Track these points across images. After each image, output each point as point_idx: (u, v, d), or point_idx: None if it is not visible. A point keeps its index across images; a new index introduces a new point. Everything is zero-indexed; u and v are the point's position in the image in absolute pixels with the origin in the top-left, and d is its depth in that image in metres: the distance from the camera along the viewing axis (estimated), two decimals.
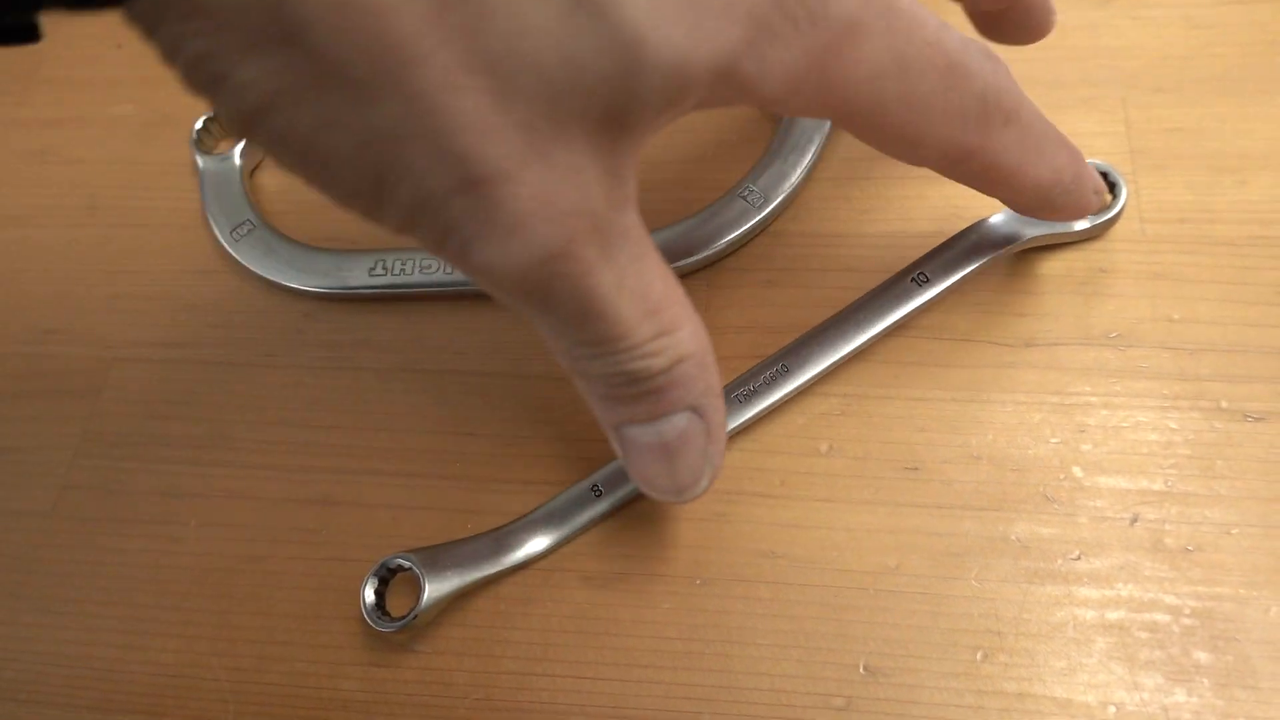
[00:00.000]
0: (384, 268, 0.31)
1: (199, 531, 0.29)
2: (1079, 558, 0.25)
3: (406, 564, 0.26)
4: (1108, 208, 0.29)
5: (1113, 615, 0.25)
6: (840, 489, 0.27)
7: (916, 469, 0.27)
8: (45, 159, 0.37)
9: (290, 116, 0.17)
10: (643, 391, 0.22)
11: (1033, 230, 0.28)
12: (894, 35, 0.20)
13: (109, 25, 0.21)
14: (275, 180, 0.35)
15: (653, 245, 0.21)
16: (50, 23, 0.18)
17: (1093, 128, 0.31)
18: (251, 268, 0.32)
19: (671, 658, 0.26)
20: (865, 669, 0.25)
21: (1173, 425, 0.27)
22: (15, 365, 0.33)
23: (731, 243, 0.30)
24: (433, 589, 0.25)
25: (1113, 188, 0.29)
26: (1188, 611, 0.24)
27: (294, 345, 0.31)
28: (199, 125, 0.35)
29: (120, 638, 0.28)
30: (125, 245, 0.34)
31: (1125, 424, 0.27)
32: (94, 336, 0.33)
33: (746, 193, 0.31)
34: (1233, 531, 0.25)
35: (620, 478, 0.27)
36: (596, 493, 0.27)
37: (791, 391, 0.27)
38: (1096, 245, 0.29)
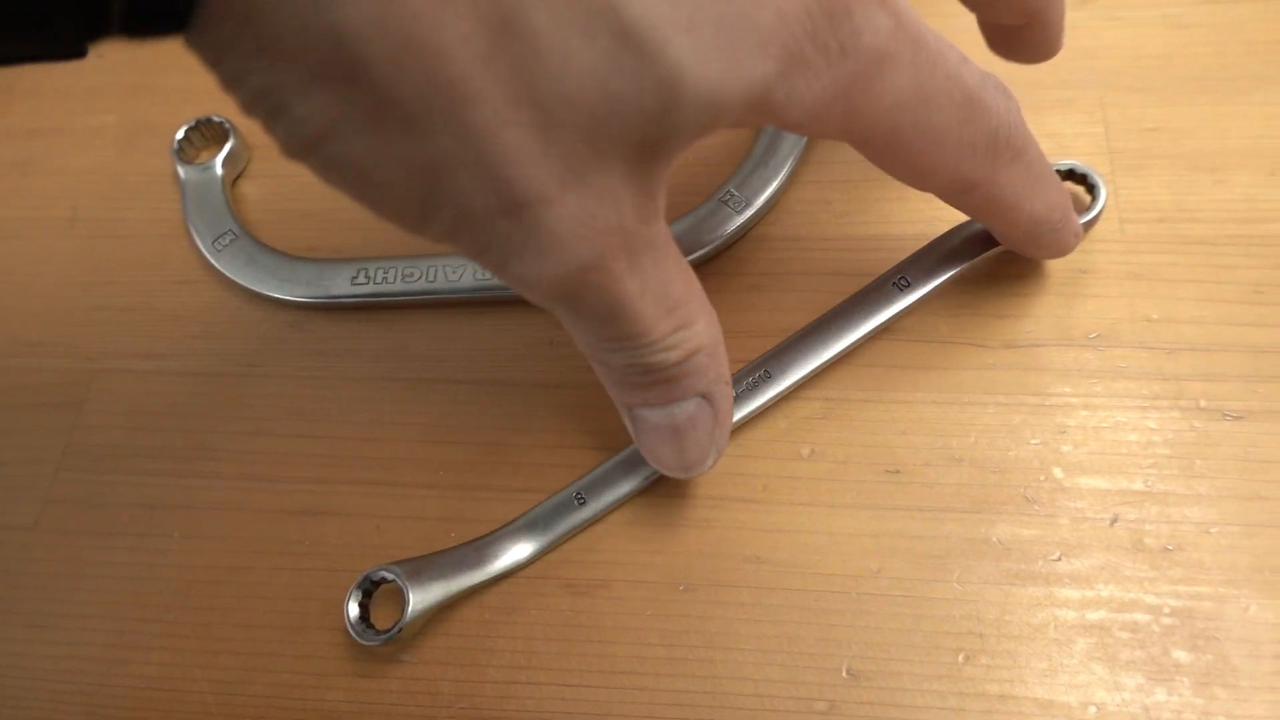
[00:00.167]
0: (366, 276, 0.31)
1: (182, 544, 0.29)
2: (1060, 559, 0.25)
3: (390, 576, 0.26)
4: (1087, 209, 0.29)
5: (1093, 616, 0.25)
6: (822, 493, 0.27)
7: (898, 472, 0.27)
8: (26, 170, 0.37)
9: (345, 146, 0.17)
10: (657, 380, 0.23)
11: None
12: (918, 68, 0.20)
13: None
14: (257, 190, 0.35)
15: (674, 246, 0.22)
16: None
17: (1071, 128, 0.31)
18: (234, 278, 0.32)
19: (655, 664, 0.26)
20: (848, 672, 0.25)
21: (1152, 425, 0.27)
22: None
23: (713, 247, 0.30)
24: (417, 601, 0.25)
25: (1091, 189, 0.29)
26: (1168, 611, 0.25)
27: (276, 355, 0.31)
28: (180, 135, 0.35)
29: (104, 651, 0.28)
30: (107, 256, 0.34)
31: (1105, 424, 0.27)
32: (76, 349, 0.33)
33: (728, 197, 0.31)
34: (1212, 530, 0.25)
35: (602, 485, 0.27)
36: (579, 500, 0.27)
37: (774, 397, 0.27)
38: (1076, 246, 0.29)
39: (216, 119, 0.35)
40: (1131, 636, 0.24)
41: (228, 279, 0.32)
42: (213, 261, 0.33)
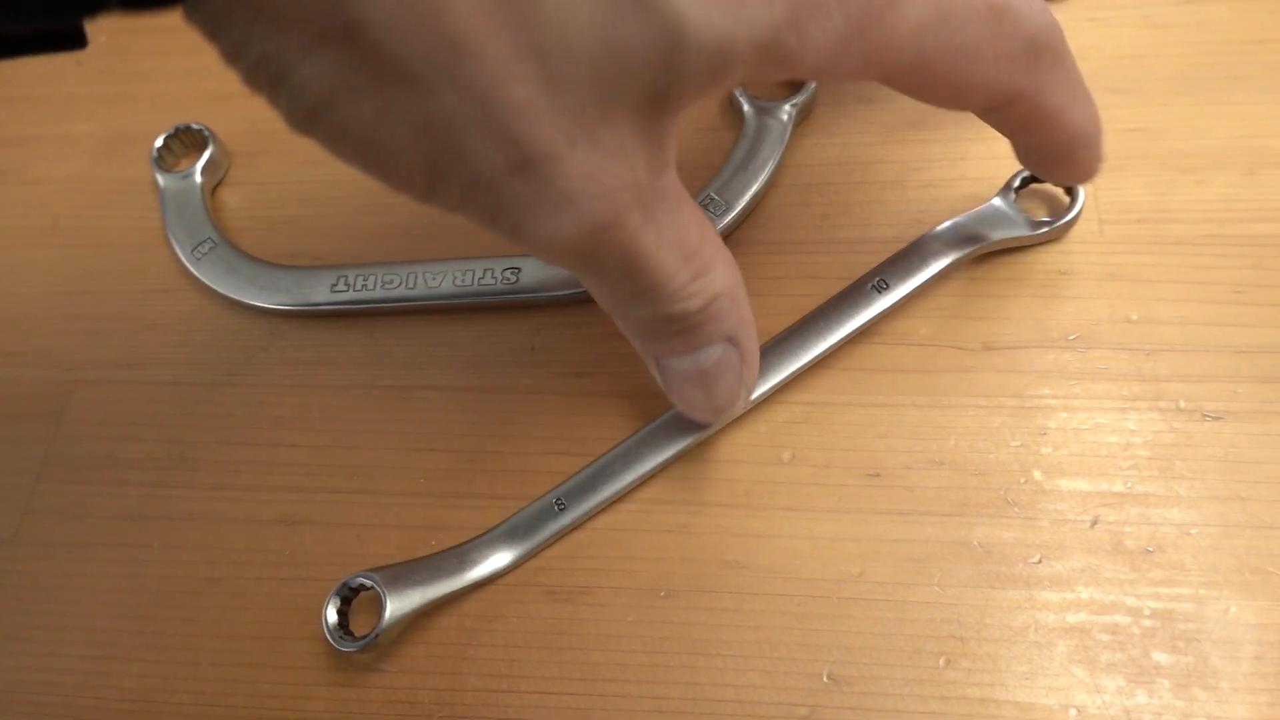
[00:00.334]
0: (346, 284, 0.31)
1: (162, 554, 0.29)
2: (1040, 561, 0.25)
3: (368, 583, 0.26)
4: (1066, 210, 0.29)
5: (1073, 618, 0.25)
6: (803, 497, 0.27)
7: (878, 475, 0.27)
8: (4, 179, 0.36)
9: (349, 111, 0.17)
10: (682, 328, 0.23)
11: (993, 233, 0.28)
12: None
13: None
14: (236, 197, 0.35)
15: (686, 194, 0.22)
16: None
17: None
18: (213, 286, 0.32)
19: (636, 671, 0.26)
20: (829, 677, 0.25)
21: (1132, 426, 0.27)
22: None
23: None
24: (394, 607, 0.25)
25: (1070, 190, 0.29)
26: (1148, 613, 0.25)
27: (256, 364, 0.31)
28: (159, 143, 0.35)
29: (84, 663, 0.28)
30: (86, 265, 0.34)
31: (1085, 426, 0.27)
32: (55, 359, 0.32)
33: (708, 201, 0.31)
34: (1192, 531, 0.25)
35: (582, 491, 0.27)
36: (560, 507, 0.27)
37: (754, 401, 0.27)
38: (1055, 247, 0.29)
39: (195, 126, 0.35)
40: (1112, 639, 0.24)
41: (207, 287, 0.32)
42: (192, 270, 0.32)
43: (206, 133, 0.35)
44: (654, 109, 0.18)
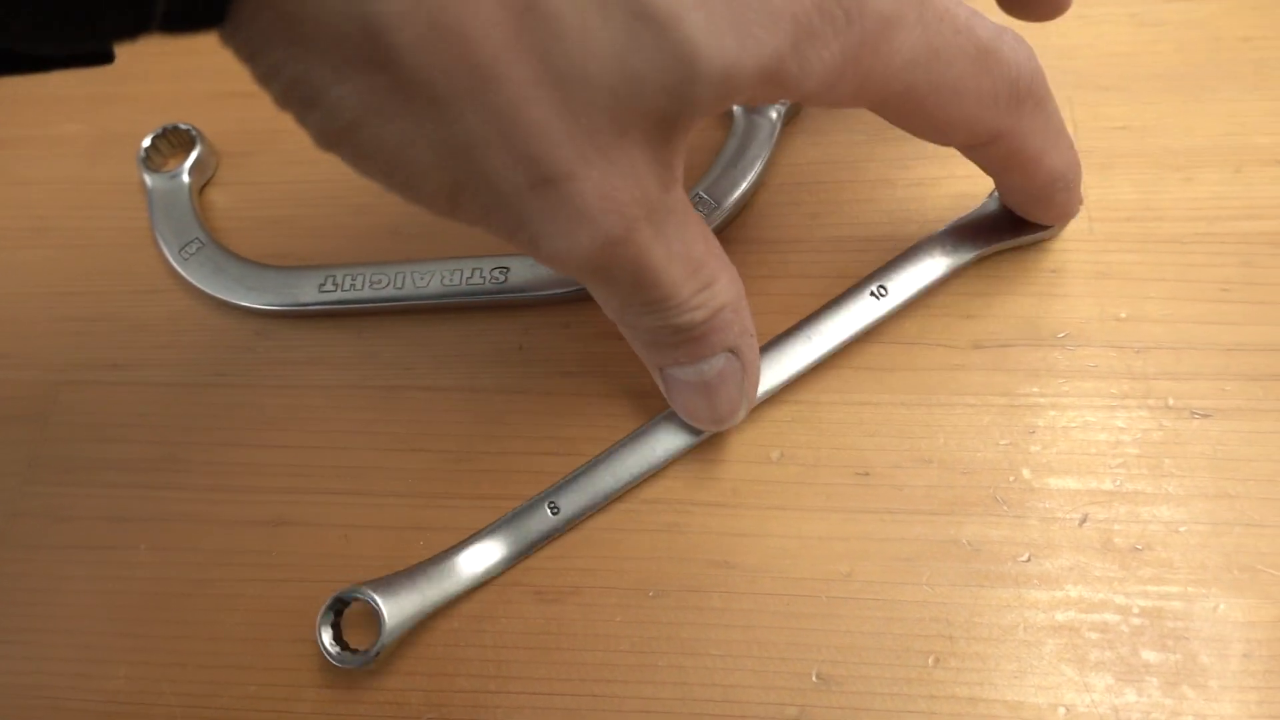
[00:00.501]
0: (334, 284, 0.31)
1: (149, 556, 0.29)
2: (1029, 560, 0.25)
3: (362, 597, 0.25)
4: None
5: (1062, 617, 0.25)
6: (792, 496, 0.27)
7: (867, 474, 0.27)
8: None
9: (377, 131, 0.18)
10: (686, 339, 0.24)
11: (992, 237, 0.28)
12: (926, 25, 0.21)
13: None
14: (224, 197, 0.35)
15: (692, 209, 0.23)
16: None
17: None
18: (201, 286, 0.32)
19: (625, 671, 0.26)
20: (818, 677, 0.25)
21: (1120, 424, 0.27)
22: None
23: None
24: (392, 621, 0.25)
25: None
26: (1137, 611, 0.25)
27: (244, 364, 0.31)
28: (147, 143, 0.34)
29: (70, 666, 0.28)
30: (73, 266, 0.34)
31: (1074, 424, 0.27)
32: (41, 360, 0.32)
33: (698, 200, 0.31)
34: (1181, 530, 0.25)
35: (575, 493, 0.27)
36: (553, 509, 0.27)
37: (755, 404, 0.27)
38: (1044, 245, 0.29)
39: (183, 126, 0.35)
40: (1101, 637, 0.24)
41: (195, 287, 0.32)
42: (179, 270, 0.32)
43: (194, 133, 0.34)
44: (664, 130, 0.19)
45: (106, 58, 0.19)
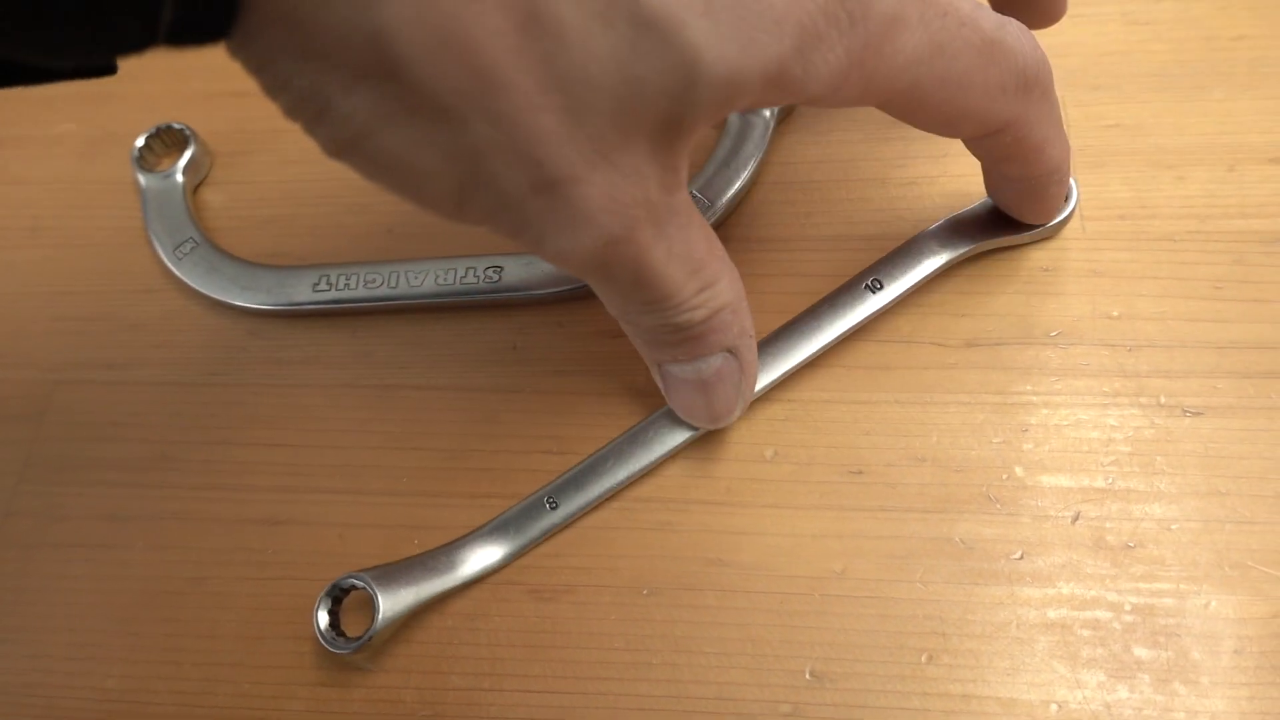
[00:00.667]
0: (328, 283, 0.31)
1: (144, 554, 0.29)
2: (1021, 557, 0.25)
3: (359, 584, 0.25)
4: (1061, 208, 0.29)
5: (1055, 614, 0.25)
6: (786, 494, 0.27)
7: (861, 472, 0.27)
8: None
9: (385, 140, 0.18)
10: (685, 337, 0.24)
11: (987, 233, 0.28)
12: (928, 23, 0.21)
13: None
14: (218, 197, 0.35)
15: (695, 210, 0.23)
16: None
17: None
18: (195, 286, 0.32)
19: (619, 669, 0.26)
20: (812, 674, 0.25)
21: (1113, 422, 0.27)
22: None
23: None
24: (387, 607, 0.25)
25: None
26: (1129, 608, 0.25)
27: (238, 363, 0.31)
28: (140, 143, 0.34)
29: (65, 664, 0.28)
30: (67, 266, 0.34)
31: (1066, 422, 0.27)
32: (36, 360, 0.32)
33: (691, 199, 0.31)
34: (1173, 527, 0.25)
35: (574, 489, 0.27)
36: (551, 504, 0.27)
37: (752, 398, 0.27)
38: (1038, 244, 0.29)
39: (177, 126, 0.35)
40: (1093, 634, 0.24)
41: (189, 287, 0.32)
42: (174, 270, 0.32)
43: (188, 132, 0.34)
44: (668, 134, 0.19)
45: (109, 70, 0.19)
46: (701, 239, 0.23)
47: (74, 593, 0.29)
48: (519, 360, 0.30)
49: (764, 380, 0.27)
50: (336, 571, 0.27)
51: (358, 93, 0.18)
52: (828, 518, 0.27)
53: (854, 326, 0.28)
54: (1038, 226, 0.28)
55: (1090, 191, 0.30)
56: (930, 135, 0.31)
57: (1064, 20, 0.33)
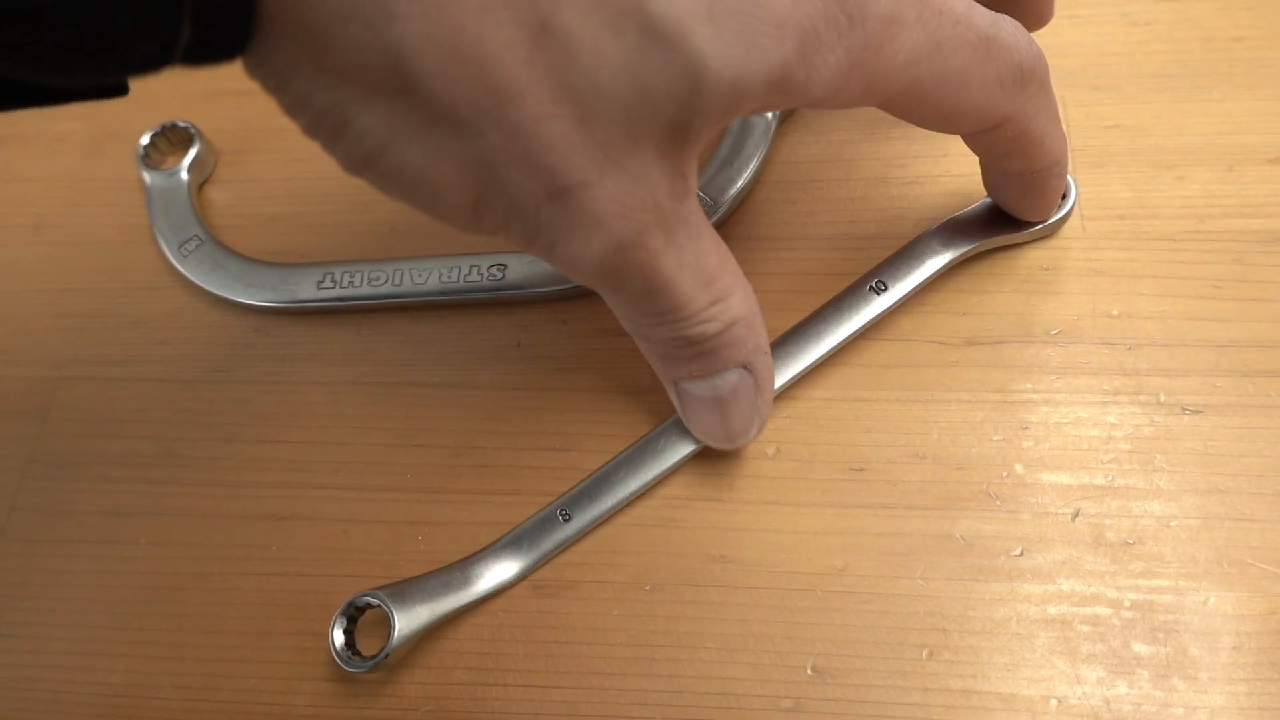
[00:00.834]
0: (332, 280, 0.31)
1: (148, 550, 0.29)
2: (1021, 554, 0.26)
3: (375, 602, 0.25)
4: (1060, 206, 0.29)
5: (1054, 610, 0.25)
6: (788, 492, 0.27)
7: (862, 470, 0.27)
8: None
9: (403, 154, 0.19)
10: (698, 352, 0.24)
11: (989, 232, 0.29)
12: (925, 22, 0.21)
13: None
14: (222, 195, 0.35)
15: (707, 222, 0.23)
16: None
17: None
18: (199, 283, 0.32)
19: (622, 664, 0.26)
20: (813, 670, 0.25)
21: (1112, 420, 0.27)
22: None
23: None
24: (403, 625, 0.25)
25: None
26: (1128, 604, 0.25)
27: (243, 360, 0.31)
28: (145, 140, 0.34)
29: (69, 659, 0.28)
30: (71, 263, 0.34)
31: (1066, 420, 0.27)
32: (40, 356, 0.32)
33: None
34: (1172, 524, 0.26)
35: (586, 500, 0.27)
36: (564, 517, 0.27)
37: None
38: (1038, 243, 0.29)
39: (182, 124, 0.35)
40: (1092, 630, 0.25)
41: (193, 284, 0.32)
42: (178, 267, 0.32)
43: (193, 130, 0.35)
44: (675, 141, 0.20)
45: (121, 90, 0.19)
46: (714, 252, 0.23)
47: (77, 588, 0.29)
48: (522, 358, 0.30)
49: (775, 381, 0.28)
50: (341, 567, 0.27)
51: (374, 109, 0.18)
52: (829, 514, 0.27)
53: (860, 329, 0.28)
54: (1038, 225, 0.29)
55: (1090, 191, 0.30)
56: (931, 135, 0.31)
57: (1063, 21, 0.33)
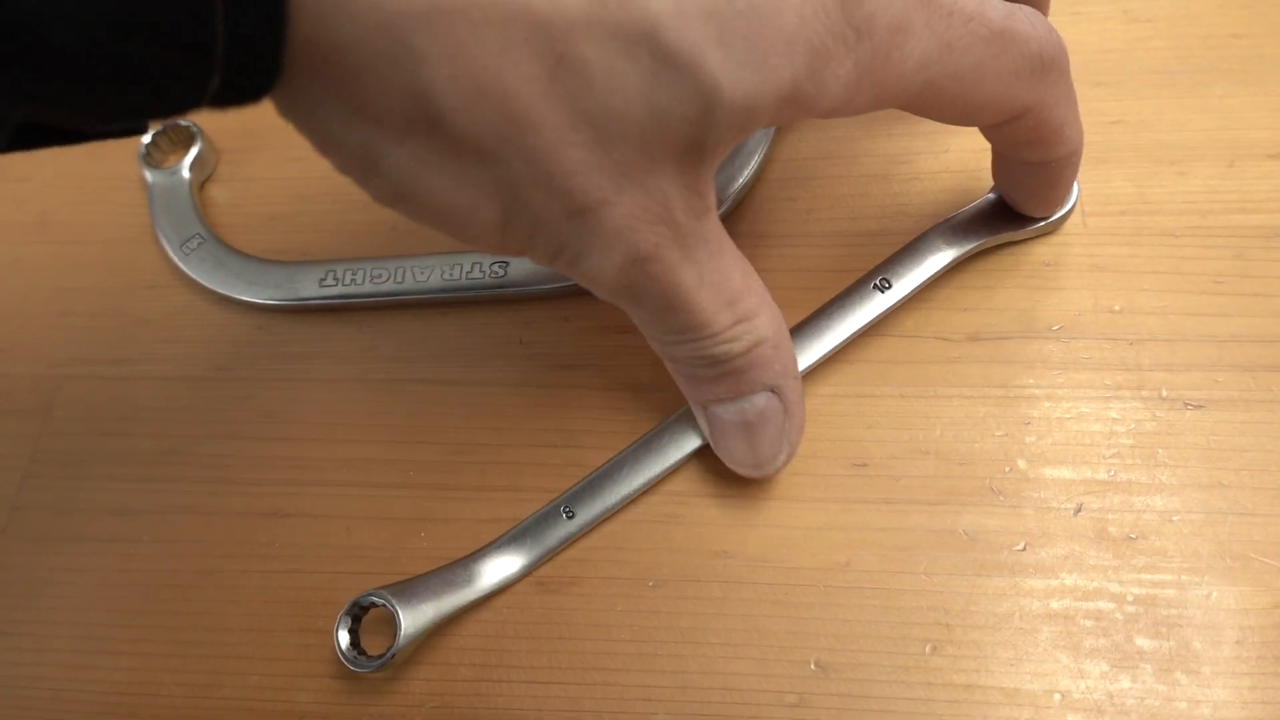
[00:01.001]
0: (335, 278, 0.31)
1: (151, 548, 0.29)
2: (1024, 549, 0.26)
3: (380, 601, 0.25)
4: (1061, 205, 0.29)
5: (1057, 605, 0.25)
6: (791, 487, 0.27)
7: (865, 465, 0.27)
8: None
9: (431, 185, 0.20)
10: (724, 373, 0.24)
11: (993, 229, 0.29)
12: (934, 26, 0.21)
13: None
14: (225, 193, 0.35)
15: (730, 242, 0.23)
16: None
17: None
18: (202, 281, 0.32)
19: (625, 660, 0.26)
20: (817, 665, 0.25)
21: (1115, 415, 0.27)
22: None
23: None
24: (408, 624, 0.25)
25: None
26: (1131, 599, 0.25)
27: (245, 358, 0.31)
28: (147, 139, 0.35)
29: (72, 657, 0.28)
30: (74, 262, 0.34)
31: (1068, 415, 0.27)
32: (43, 354, 0.32)
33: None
34: (1174, 519, 0.26)
35: (589, 497, 0.27)
36: (568, 514, 0.27)
37: None
38: (1040, 239, 0.30)
39: (183, 123, 0.35)
40: (1095, 624, 0.25)
41: (196, 283, 0.32)
42: (181, 265, 0.33)
43: (194, 129, 0.35)
44: (691, 159, 0.20)
45: (140, 131, 0.20)
46: (737, 271, 0.23)
47: (81, 586, 0.29)
48: (525, 355, 0.30)
49: None
50: (344, 565, 0.27)
51: (404, 146, 0.19)
52: (832, 510, 0.27)
53: (864, 327, 0.28)
54: (1041, 221, 0.29)
55: (1092, 187, 0.30)
56: (931, 131, 0.32)
57: (1064, 18, 0.33)
